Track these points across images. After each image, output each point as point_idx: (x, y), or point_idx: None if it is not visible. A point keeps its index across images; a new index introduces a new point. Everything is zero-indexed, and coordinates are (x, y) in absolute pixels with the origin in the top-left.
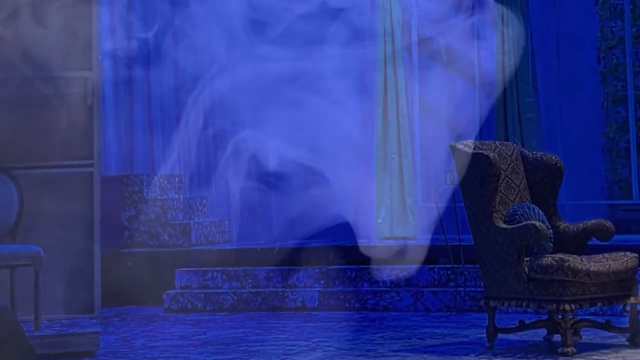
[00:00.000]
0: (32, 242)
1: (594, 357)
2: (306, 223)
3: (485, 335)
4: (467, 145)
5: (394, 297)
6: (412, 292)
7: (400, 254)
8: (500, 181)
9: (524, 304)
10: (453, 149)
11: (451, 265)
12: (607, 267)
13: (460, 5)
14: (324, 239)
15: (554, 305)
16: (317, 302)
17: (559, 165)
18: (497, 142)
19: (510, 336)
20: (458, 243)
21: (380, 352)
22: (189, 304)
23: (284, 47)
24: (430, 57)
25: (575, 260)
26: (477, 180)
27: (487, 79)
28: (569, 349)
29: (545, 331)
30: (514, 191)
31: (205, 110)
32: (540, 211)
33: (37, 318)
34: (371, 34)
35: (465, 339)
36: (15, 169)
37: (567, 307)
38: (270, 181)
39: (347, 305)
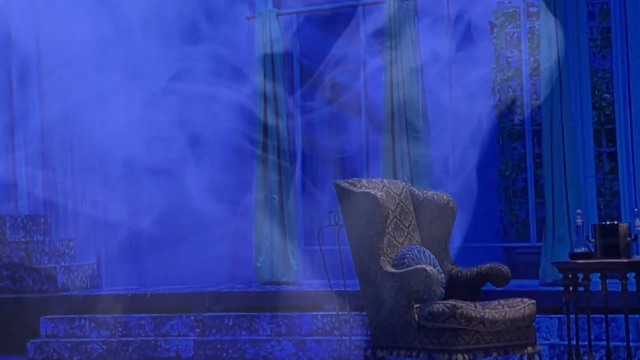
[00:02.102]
0: None
1: None
2: (180, 267)
3: None
4: (353, 184)
5: (275, 346)
6: (294, 341)
7: (281, 300)
8: (389, 222)
9: (414, 354)
10: (338, 187)
11: (336, 312)
12: (503, 314)
13: (346, 35)
14: (199, 284)
15: (446, 356)
16: (192, 352)
17: (451, 205)
18: (384, 180)
19: None
20: (343, 288)
21: None
22: (54, 353)
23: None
24: (314, 89)
25: (468, 307)
26: (364, 221)
27: (375, 113)
28: None
29: None
30: (403, 233)
31: (73, 149)
32: (431, 254)
33: None
34: (250, 68)
35: None
36: None
37: (460, 357)
38: (142, 223)
39: (224, 355)
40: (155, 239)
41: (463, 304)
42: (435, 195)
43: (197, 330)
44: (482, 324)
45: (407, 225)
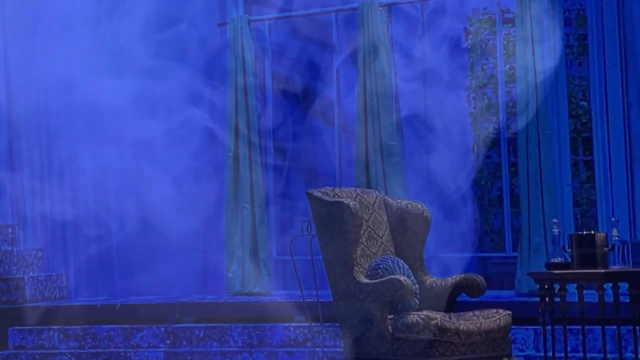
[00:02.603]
0: None
1: None
2: (151, 278)
3: None
4: (326, 193)
5: (246, 358)
6: (265, 353)
7: (253, 311)
8: (362, 232)
9: None
10: (310, 197)
11: (308, 324)
12: (478, 325)
13: (319, 42)
14: (169, 294)
15: None
16: None
17: (425, 214)
18: (358, 190)
19: None
20: (316, 299)
21: None
22: None
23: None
24: (286, 97)
25: (443, 318)
26: (337, 231)
27: (348, 121)
28: None
29: None
30: (377, 243)
31: (41, 159)
32: (405, 265)
33: None
34: (221, 73)
35: None
36: None
37: None
38: (112, 233)
39: None
40: (126, 248)
41: (437, 315)
42: (409, 205)
43: (168, 341)
44: (456, 335)
45: (380, 235)
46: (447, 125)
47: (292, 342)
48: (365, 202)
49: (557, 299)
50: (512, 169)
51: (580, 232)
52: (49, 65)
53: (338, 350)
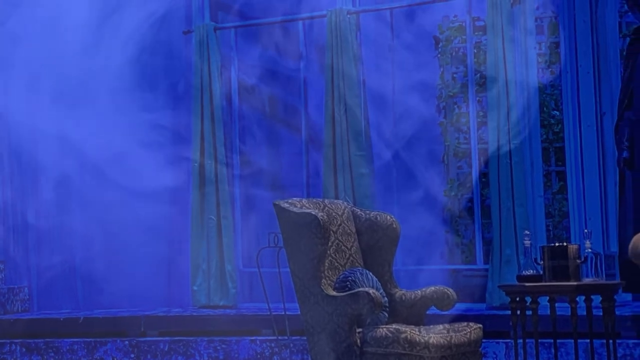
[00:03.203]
0: None
1: None
2: (114, 290)
3: None
4: (293, 204)
5: None
6: None
7: (219, 324)
8: (330, 244)
9: None
10: (277, 208)
11: (275, 337)
12: (448, 339)
13: (286, 50)
14: (134, 307)
15: None
16: None
17: (394, 226)
18: (326, 201)
19: None
20: (283, 312)
21: None
22: None
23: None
24: (252, 106)
25: (412, 332)
26: (304, 242)
27: (316, 130)
28: None
29: None
30: (345, 255)
31: (3, 166)
32: (374, 277)
33: None
34: (186, 82)
35: None
36: None
37: None
38: (75, 244)
39: None
40: (89, 260)
41: (407, 328)
42: (378, 216)
43: (132, 355)
44: (426, 349)
45: (349, 247)
46: (416, 135)
47: (258, 356)
48: (333, 213)
49: (529, 312)
50: (483, 180)
51: (553, 244)
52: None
53: None
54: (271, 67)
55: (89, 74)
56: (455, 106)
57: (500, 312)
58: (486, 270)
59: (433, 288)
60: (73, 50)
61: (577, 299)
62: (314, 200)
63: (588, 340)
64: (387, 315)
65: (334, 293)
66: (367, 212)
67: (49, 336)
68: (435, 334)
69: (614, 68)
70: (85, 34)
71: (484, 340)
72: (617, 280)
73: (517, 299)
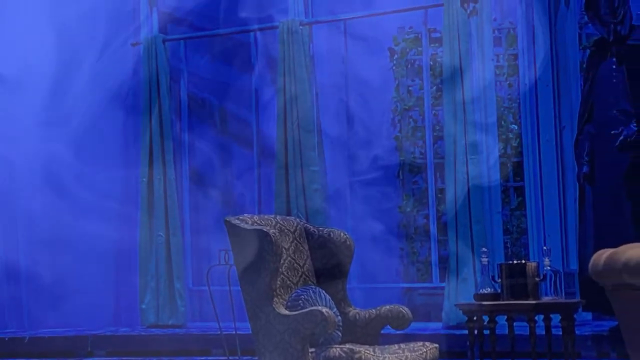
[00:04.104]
0: None
1: None
2: (61, 309)
3: None
4: (244, 220)
5: None
6: None
7: (168, 343)
8: (282, 261)
9: None
10: (228, 224)
11: (226, 357)
12: (403, 359)
13: (238, 62)
14: (80, 326)
15: None
16: None
17: (348, 243)
18: (278, 217)
19: None
20: (234, 331)
21: None
22: None
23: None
24: (202, 120)
25: (367, 352)
26: (256, 260)
27: (267, 145)
28: None
29: None
30: (298, 273)
31: None
32: (327, 295)
33: None
34: (135, 95)
35: None
36: None
37: None
38: (20, 263)
39: None
40: (35, 278)
41: (361, 348)
42: (331, 233)
43: None
44: None
45: (301, 264)
46: (371, 150)
47: None
48: (286, 230)
49: (487, 332)
50: (439, 196)
51: (511, 262)
52: None
53: None
54: (222, 80)
55: (28, 83)
56: (411, 119)
57: (457, 332)
58: (442, 288)
59: (388, 307)
60: (15, 55)
61: (536, 318)
62: (266, 216)
63: None
64: (340, 334)
65: (286, 312)
66: (320, 228)
67: None
68: (390, 354)
69: (573, 81)
70: (28, 39)
71: None
72: (577, 299)
73: (475, 318)
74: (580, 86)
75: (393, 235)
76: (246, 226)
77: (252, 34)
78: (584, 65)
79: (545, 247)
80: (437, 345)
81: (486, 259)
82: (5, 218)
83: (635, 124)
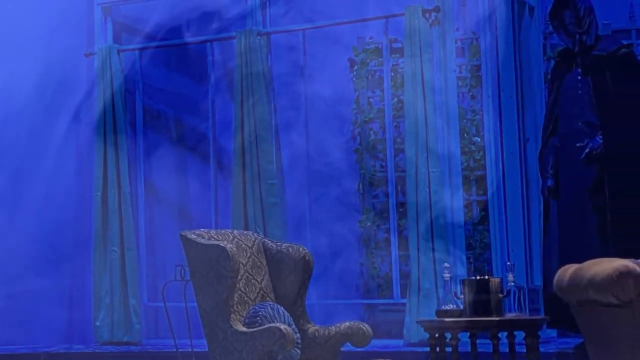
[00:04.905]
0: None
1: None
2: (11, 325)
3: None
4: (201, 235)
5: None
6: None
7: None
8: (239, 277)
9: None
10: (184, 239)
11: None
12: None
13: (194, 73)
14: (33, 343)
15: None
16: None
17: (307, 258)
18: (235, 232)
19: None
20: (190, 349)
21: None
22: None
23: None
24: (158, 133)
25: None
26: (212, 275)
27: (224, 158)
28: None
29: None
30: (255, 288)
31: None
32: (286, 312)
33: None
34: (88, 106)
35: None
36: None
37: None
38: None
39: None
40: None
41: None
42: (290, 248)
43: None
44: None
45: (259, 280)
46: (330, 163)
47: None
48: (243, 245)
49: (449, 349)
50: (400, 210)
51: (474, 277)
52: None
53: None
54: (178, 91)
55: None
56: (372, 132)
57: (419, 349)
58: (404, 304)
59: (348, 323)
60: None
61: (500, 335)
62: (223, 231)
63: None
64: (299, 352)
65: (244, 329)
66: (279, 243)
67: None
68: None
69: (538, 92)
70: None
71: None
72: (542, 316)
73: (437, 334)
74: (544, 97)
75: (353, 250)
76: (203, 241)
77: (208, 44)
78: (549, 76)
79: (508, 263)
80: None
81: (448, 275)
82: None
83: (600, 137)
